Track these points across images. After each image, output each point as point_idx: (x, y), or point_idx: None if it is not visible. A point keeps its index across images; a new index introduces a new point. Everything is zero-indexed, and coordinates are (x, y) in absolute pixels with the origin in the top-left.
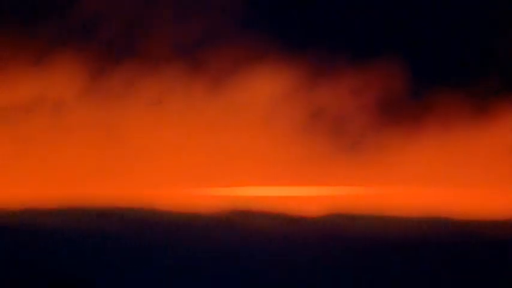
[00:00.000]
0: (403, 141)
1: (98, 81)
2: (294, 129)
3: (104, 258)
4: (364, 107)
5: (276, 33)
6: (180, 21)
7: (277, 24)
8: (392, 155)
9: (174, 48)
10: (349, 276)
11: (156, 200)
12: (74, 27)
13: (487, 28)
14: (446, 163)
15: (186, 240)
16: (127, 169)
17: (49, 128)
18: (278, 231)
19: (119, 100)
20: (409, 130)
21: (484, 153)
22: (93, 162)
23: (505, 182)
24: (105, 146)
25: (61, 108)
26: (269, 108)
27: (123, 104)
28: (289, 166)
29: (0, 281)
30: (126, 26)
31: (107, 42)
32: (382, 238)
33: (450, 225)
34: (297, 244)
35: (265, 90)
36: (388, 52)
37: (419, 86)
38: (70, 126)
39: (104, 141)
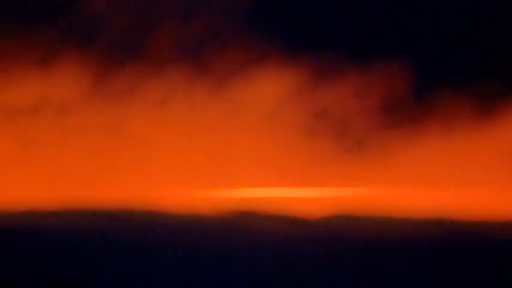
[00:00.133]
0: (406, 143)
1: (102, 83)
2: (297, 131)
3: (106, 259)
4: (367, 108)
5: (279, 34)
6: (183, 23)
7: (281, 26)
8: (395, 156)
9: (177, 50)
10: (352, 278)
11: (159, 202)
12: (78, 29)
13: (489, 29)
14: (448, 164)
15: (189, 242)
16: (130, 170)
17: (53, 130)
18: (281, 232)
19: (122, 102)
20: (411, 131)
21: (486, 155)
22: (96, 163)
23: (507, 182)
24: (108, 148)
25: (65, 110)
26: (272, 109)
27: (127, 106)
28: (292, 167)
29: (0, 281)
30: (130, 27)
31: (111, 44)
32: (385, 239)
33: (453, 226)
34: (300, 245)
35: (269, 91)
36: (391, 54)
37: (422, 88)
38: (74, 128)
39: (107, 143)
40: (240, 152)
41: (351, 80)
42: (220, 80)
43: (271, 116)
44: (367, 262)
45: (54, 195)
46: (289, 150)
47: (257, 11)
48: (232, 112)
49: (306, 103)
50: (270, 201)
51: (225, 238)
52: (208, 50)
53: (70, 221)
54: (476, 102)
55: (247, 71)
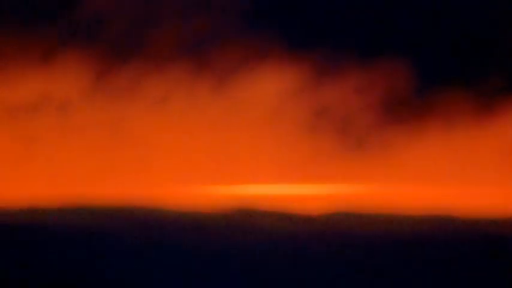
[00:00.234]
0: (407, 140)
1: (103, 81)
2: (299, 128)
3: (108, 257)
4: (368, 105)
5: (281, 32)
6: (184, 21)
7: (282, 23)
8: (396, 153)
9: (179, 47)
10: (354, 275)
11: (160, 199)
12: (79, 27)
13: (489, 27)
14: (450, 161)
15: (190, 239)
16: (131, 168)
17: (54, 127)
18: (282, 229)
19: (123, 99)
20: (413, 129)
21: (487, 152)
22: (97, 161)
23: (508, 179)
24: (109, 145)
25: (67, 108)
26: (274, 106)
27: (128, 104)
28: (294, 164)
29: (1, 281)
30: (131, 25)
31: (112, 41)
32: (386, 236)
33: (454, 223)
34: (301, 242)
35: (270, 88)
36: (393, 51)
37: (423, 85)
38: (75, 126)
39: (108, 140)
40: (241, 150)
41: (353, 77)
42: (221, 78)
43: (272, 113)
44: (368, 259)
45: (55, 192)
46: (290, 148)
47: (259, 8)
48: (233, 110)
49: (307, 100)
50: (271, 199)
51: (226, 235)
52: (210, 48)
53: (71, 218)
54: (477, 100)
55: (249, 69)
